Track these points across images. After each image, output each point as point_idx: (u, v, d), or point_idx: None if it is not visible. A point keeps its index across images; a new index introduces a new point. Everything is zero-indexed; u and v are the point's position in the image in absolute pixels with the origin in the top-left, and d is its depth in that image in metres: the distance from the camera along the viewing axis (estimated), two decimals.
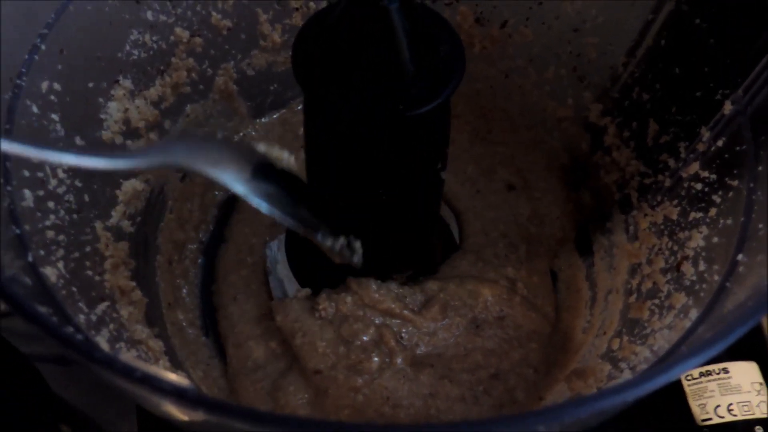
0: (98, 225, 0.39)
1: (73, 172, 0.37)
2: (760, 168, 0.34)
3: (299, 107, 0.54)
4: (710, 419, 0.42)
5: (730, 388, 0.42)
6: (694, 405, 0.42)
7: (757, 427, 0.41)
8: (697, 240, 0.36)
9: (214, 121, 0.50)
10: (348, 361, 0.41)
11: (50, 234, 0.34)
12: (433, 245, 0.49)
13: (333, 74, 0.32)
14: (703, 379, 0.43)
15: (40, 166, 0.35)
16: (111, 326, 0.35)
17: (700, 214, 0.37)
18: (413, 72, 0.32)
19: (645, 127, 0.43)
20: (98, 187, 0.40)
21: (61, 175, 0.36)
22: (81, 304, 0.33)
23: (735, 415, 0.41)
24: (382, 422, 0.40)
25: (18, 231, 0.31)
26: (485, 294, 0.44)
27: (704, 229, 0.36)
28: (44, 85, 0.35)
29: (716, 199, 0.36)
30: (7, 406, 0.44)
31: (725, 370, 0.43)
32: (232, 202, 0.51)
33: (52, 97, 0.36)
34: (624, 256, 0.44)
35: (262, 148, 0.37)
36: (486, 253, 0.48)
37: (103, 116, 0.40)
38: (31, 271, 0.30)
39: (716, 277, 0.32)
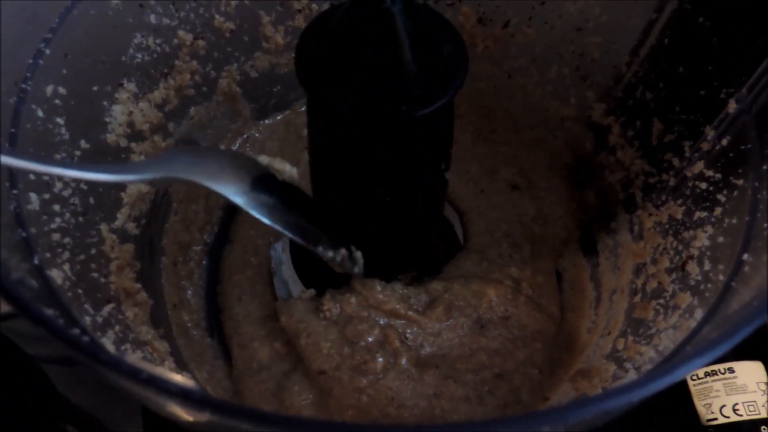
0: (103, 227, 0.39)
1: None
2: (765, 167, 0.33)
3: (302, 109, 0.54)
4: (716, 419, 0.41)
5: (736, 388, 0.42)
6: (700, 405, 0.42)
7: (763, 427, 0.41)
8: (702, 239, 0.36)
9: (217, 123, 0.50)
10: (352, 362, 0.41)
11: (56, 237, 0.34)
12: (437, 245, 0.49)
13: (336, 76, 0.32)
14: (708, 378, 0.42)
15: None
16: (117, 328, 0.35)
17: (705, 214, 0.37)
18: (416, 73, 0.32)
19: (649, 127, 0.43)
20: (103, 190, 0.40)
21: (66, 178, 0.36)
22: (87, 306, 0.33)
23: (740, 415, 0.41)
24: (387, 423, 0.40)
25: (24, 234, 0.31)
26: (490, 294, 0.44)
27: (709, 229, 0.36)
28: (49, 89, 0.35)
29: (721, 198, 0.36)
30: (13, 406, 0.44)
31: (731, 370, 0.42)
32: None
33: (57, 101, 0.36)
34: (629, 256, 0.44)
35: (264, 160, 0.37)
36: (490, 253, 0.48)
37: (107, 119, 0.41)
38: (37, 274, 0.30)
39: (721, 277, 0.32)
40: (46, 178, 0.35)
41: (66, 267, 0.33)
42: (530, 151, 0.53)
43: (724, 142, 0.36)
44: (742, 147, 0.35)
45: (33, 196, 0.33)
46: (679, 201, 0.40)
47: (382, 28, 0.31)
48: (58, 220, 0.35)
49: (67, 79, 0.36)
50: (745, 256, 0.31)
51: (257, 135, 0.53)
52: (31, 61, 0.35)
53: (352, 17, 0.31)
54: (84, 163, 0.36)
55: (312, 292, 0.45)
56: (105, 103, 0.40)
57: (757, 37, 0.36)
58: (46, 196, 0.34)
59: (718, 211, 0.36)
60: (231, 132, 0.52)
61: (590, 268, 0.48)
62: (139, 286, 0.40)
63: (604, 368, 0.39)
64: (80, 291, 0.33)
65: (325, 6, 0.48)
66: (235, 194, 0.34)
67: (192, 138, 0.49)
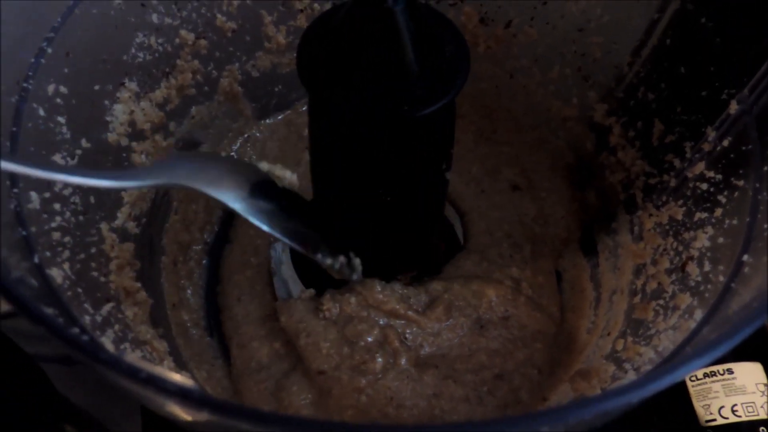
0: (104, 226, 0.39)
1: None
2: (766, 168, 0.33)
3: (304, 108, 0.54)
4: (714, 420, 0.41)
5: (735, 389, 0.42)
6: (698, 406, 0.42)
7: (762, 428, 0.41)
8: (703, 240, 0.36)
9: (219, 122, 0.50)
10: (352, 362, 0.41)
11: (56, 235, 0.34)
12: (438, 245, 0.49)
13: (338, 75, 0.32)
14: (707, 379, 0.42)
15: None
16: (116, 327, 0.35)
17: (705, 215, 0.37)
18: (418, 73, 0.32)
19: (650, 127, 0.43)
20: (104, 189, 0.40)
21: None
22: (86, 305, 0.33)
23: (739, 416, 0.41)
24: (386, 423, 0.40)
25: (24, 233, 0.31)
26: (490, 294, 0.44)
27: (709, 230, 0.36)
28: (51, 88, 0.35)
29: (722, 199, 0.36)
30: (12, 406, 0.44)
31: (730, 371, 0.42)
32: None
33: (59, 100, 0.36)
34: (629, 257, 0.44)
35: (264, 166, 0.37)
36: (490, 253, 0.48)
37: (108, 118, 0.41)
38: (37, 273, 0.30)
39: (721, 278, 0.32)
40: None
41: (66, 266, 0.33)
42: (532, 151, 0.53)
43: (725, 143, 0.36)
44: (743, 148, 0.35)
45: (33, 194, 0.33)
46: (680, 202, 0.40)
47: (384, 27, 0.31)
48: (58, 218, 0.35)
49: (68, 78, 0.36)
50: (746, 257, 0.31)
51: (258, 134, 0.53)
52: (32, 60, 0.35)
53: (354, 17, 0.31)
54: (85, 169, 0.37)
55: (312, 291, 0.45)
56: (106, 102, 0.40)
57: (759, 38, 0.36)
58: (47, 194, 0.34)
59: (718, 212, 0.36)
60: (232, 131, 0.52)
61: (590, 268, 0.48)
62: (138, 285, 0.40)
63: (604, 369, 0.39)
64: (80, 290, 0.33)
65: (327, 6, 0.48)
66: (234, 200, 0.35)
67: (193, 137, 0.49)
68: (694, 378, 0.43)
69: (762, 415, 0.41)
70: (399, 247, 0.44)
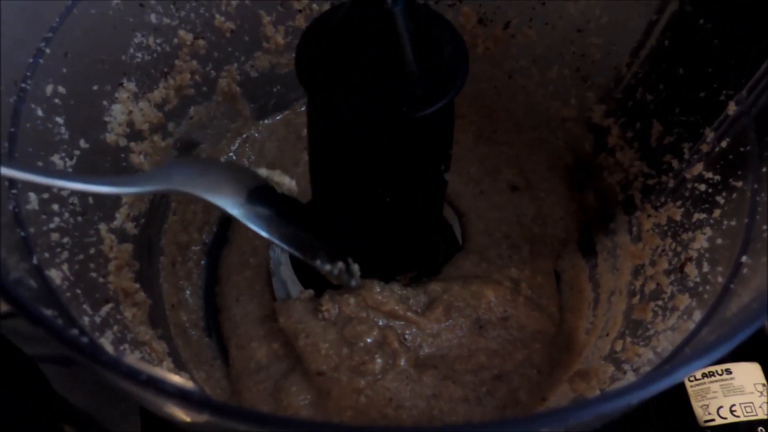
0: (102, 227, 0.39)
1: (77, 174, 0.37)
2: (764, 169, 0.33)
3: (302, 108, 0.54)
4: (713, 420, 0.41)
5: (733, 389, 0.42)
6: (697, 406, 0.42)
7: (760, 428, 0.41)
8: (701, 241, 0.36)
9: (217, 122, 0.50)
10: (351, 363, 0.41)
11: (55, 236, 0.34)
12: (436, 246, 0.49)
13: (337, 76, 0.32)
14: (706, 380, 0.43)
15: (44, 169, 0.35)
16: (115, 328, 0.35)
17: (703, 216, 0.37)
18: (417, 73, 0.32)
19: (649, 128, 0.43)
20: None
21: None
22: (85, 306, 0.33)
23: (738, 417, 0.41)
24: (385, 423, 0.40)
25: (23, 234, 0.31)
26: (489, 295, 0.44)
27: (708, 231, 0.36)
28: (49, 89, 0.35)
29: (720, 200, 0.36)
30: (11, 406, 0.44)
31: (728, 371, 0.42)
32: None
33: (57, 101, 0.36)
34: (627, 257, 0.44)
35: (264, 172, 0.38)
36: (489, 254, 0.48)
37: (107, 119, 0.40)
38: (36, 274, 0.30)
39: (720, 279, 0.32)
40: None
41: (65, 267, 0.33)
42: (531, 151, 0.53)
43: (724, 144, 0.37)
44: (742, 149, 0.35)
45: (32, 195, 0.33)
46: (678, 203, 0.40)
47: (383, 28, 0.31)
48: (56, 219, 0.35)
49: (66, 79, 0.36)
50: (744, 258, 0.31)
51: (257, 135, 0.53)
52: (31, 60, 0.35)
53: (353, 17, 0.31)
54: (85, 176, 0.37)
55: (311, 292, 0.45)
56: (105, 102, 0.40)
57: (758, 39, 0.36)
58: (45, 195, 0.34)
59: (717, 213, 0.36)
60: (231, 132, 0.52)
61: (589, 269, 0.48)
62: (137, 286, 0.40)
63: (603, 369, 0.39)
64: (79, 291, 0.33)
65: (326, 6, 0.48)
66: (233, 206, 0.35)
67: (192, 138, 0.49)
68: (692, 378, 0.43)
69: (760, 415, 0.41)
70: (398, 247, 0.44)
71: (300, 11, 0.48)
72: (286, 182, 0.38)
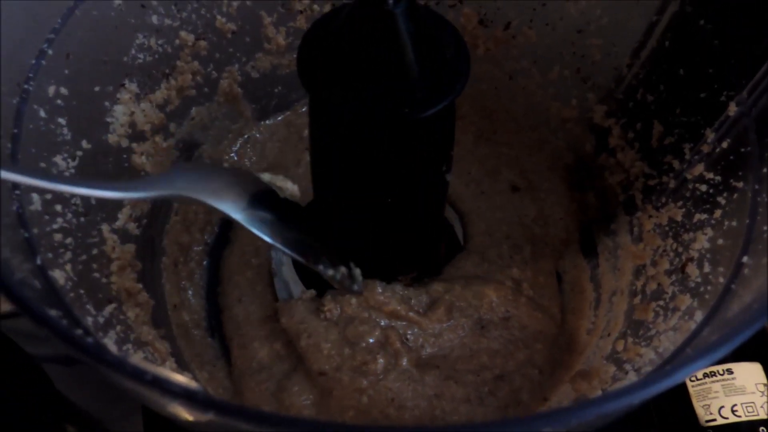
0: (105, 228, 0.39)
1: (80, 175, 0.37)
2: (765, 170, 0.34)
3: (303, 109, 0.54)
4: (714, 420, 0.42)
5: (735, 389, 0.42)
6: (698, 406, 0.42)
7: (762, 428, 0.41)
8: (702, 242, 0.36)
9: (218, 123, 0.50)
10: (353, 363, 0.41)
11: (58, 237, 0.34)
12: (438, 246, 0.49)
13: (338, 77, 0.33)
14: (707, 380, 0.43)
15: (47, 170, 0.35)
16: (118, 328, 0.35)
17: (704, 216, 0.37)
18: (418, 75, 0.32)
19: (649, 129, 0.43)
20: None
21: None
22: (89, 307, 0.33)
23: (739, 416, 0.41)
24: (387, 423, 0.40)
25: (26, 234, 0.31)
26: (490, 295, 0.45)
27: (709, 231, 0.36)
28: (51, 90, 0.35)
29: (721, 200, 0.36)
30: (13, 406, 0.44)
31: (729, 371, 0.43)
32: None
33: (59, 101, 0.36)
34: (628, 258, 0.44)
35: (266, 177, 0.38)
36: (490, 254, 0.48)
37: (109, 120, 0.41)
38: (39, 274, 0.30)
39: (721, 279, 0.33)
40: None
41: (68, 267, 0.33)
42: (531, 152, 0.53)
43: (725, 144, 0.37)
44: (742, 150, 0.35)
45: (35, 196, 0.33)
46: (679, 203, 0.40)
47: (385, 29, 0.31)
48: (59, 220, 0.35)
49: (69, 80, 0.36)
50: (745, 259, 0.32)
51: (258, 135, 0.53)
52: (33, 61, 0.35)
53: (354, 19, 0.31)
54: (90, 180, 0.37)
55: (312, 292, 0.45)
56: (107, 103, 0.40)
57: (758, 39, 0.36)
58: (48, 196, 0.34)
59: (717, 213, 0.36)
60: (232, 132, 0.52)
61: (590, 269, 0.49)
62: (140, 286, 0.40)
63: (604, 370, 0.39)
64: (82, 291, 0.34)
65: (327, 7, 0.48)
66: (235, 211, 0.35)
67: (193, 138, 0.49)
68: (694, 378, 0.43)
69: (762, 415, 0.41)
70: (399, 248, 0.44)
71: (301, 12, 0.48)
72: (288, 187, 0.38)
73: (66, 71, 0.36)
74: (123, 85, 0.41)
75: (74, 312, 0.31)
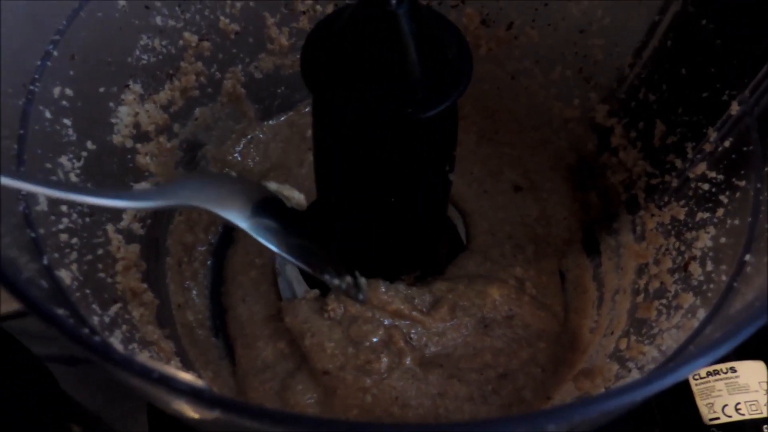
0: (110, 228, 0.39)
1: (85, 176, 0.37)
2: (767, 168, 0.34)
3: (306, 109, 0.55)
4: (718, 418, 0.42)
5: (738, 388, 0.42)
6: (702, 404, 0.42)
7: (765, 426, 0.41)
8: (705, 240, 0.37)
9: (222, 124, 0.50)
10: (357, 362, 0.42)
11: (64, 237, 0.34)
12: (441, 246, 0.49)
13: (341, 77, 0.33)
14: (710, 378, 0.43)
15: (53, 171, 0.36)
16: (124, 327, 0.36)
17: (707, 215, 0.37)
18: (421, 75, 0.32)
19: (652, 128, 0.43)
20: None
21: (74, 179, 0.37)
22: (94, 306, 0.34)
23: (743, 414, 0.41)
24: (391, 422, 0.40)
25: (33, 235, 0.31)
26: (494, 294, 0.45)
27: (711, 230, 0.36)
28: (56, 91, 0.36)
29: (723, 199, 0.36)
30: (19, 406, 0.44)
31: (733, 370, 0.43)
32: None
33: (64, 102, 0.36)
34: (631, 257, 0.44)
35: (273, 186, 0.38)
36: (493, 254, 0.48)
37: (113, 120, 0.41)
38: (46, 274, 0.30)
39: (724, 278, 0.33)
40: (53, 178, 0.35)
41: (74, 267, 0.34)
42: (534, 152, 0.53)
43: (727, 143, 0.37)
44: (745, 149, 0.35)
45: (41, 197, 0.33)
46: (682, 202, 0.40)
47: (387, 30, 0.31)
48: (65, 220, 0.35)
49: (74, 81, 0.37)
50: (747, 257, 0.32)
51: (261, 136, 0.54)
52: (38, 62, 0.35)
53: (357, 19, 0.32)
54: (96, 190, 0.37)
55: (316, 292, 0.45)
56: (111, 104, 0.41)
57: (760, 39, 0.37)
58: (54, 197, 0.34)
59: (720, 212, 0.36)
60: (235, 133, 0.52)
61: (593, 268, 0.49)
62: (145, 286, 0.41)
63: (607, 368, 0.39)
64: (88, 291, 0.34)
65: (329, 8, 0.48)
66: (241, 219, 0.36)
67: (197, 139, 0.49)
68: (697, 376, 0.43)
69: (765, 413, 0.41)
70: (403, 247, 0.44)
71: (304, 13, 0.48)
72: (295, 196, 0.39)
73: (71, 72, 0.37)
74: (127, 86, 0.41)
75: (80, 311, 0.31)
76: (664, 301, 0.38)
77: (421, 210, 0.42)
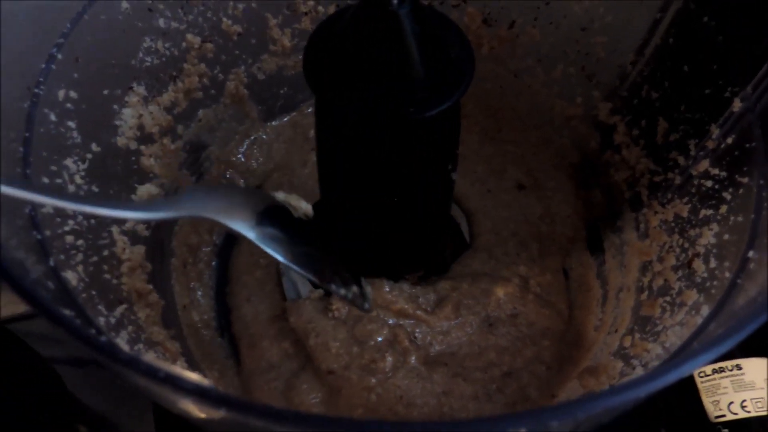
0: (115, 229, 0.40)
1: (90, 178, 0.38)
2: None
3: (309, 110, 0.55)
4: (724, 416, 0.42)
5: (744, 385, 0.42)
6: (708, 402, 0.42)
7: None
8: (708, 237, 0.37)
9: (225, 125, 0.51)
10: (361, 361, 0.42)
11: (69, 239, 0.35)
12: (444, 245, 0.49)
13: (344, 78, 0.33)
14: (716, 375, 0.43)
15: (58, 173, 0.36)
16: (129, 328, 0.36)
17: (710, 212, 0.37)
18: (423, 75, 0.32)
19: (654, 125, 0.43)
20: (114, 192, 0.41)
21: (79, 181, 0.37)
22: (100, 307, 0.34)
23: (749, 412, 0.41)
24: (396, 421, 0.40)
25: (39, 236, 0.31)
26: (498, 292, 0.45)
27: (715, 227, 0.36)
28: (61, 93, 0.36)
29: (726, 196, 0.36)
30: (27, 407, 0.45)
31: (738, 367, 0.43)
32: None
33: (69, 105, 0.36)
34: (635, 254, 0.44)
35: (281, 196, 0.38)
36: (497, 252, 0.48)
37: (117, 122, 0.41)
38: (52, 276, 0.31)
39: (727, 274, 0.33)
40: (59, 181, 0.36)
41: (80, 269, 0.34)
42: (536, 150, 0.53)
43: (729, 140, 0.37)
44: (747, 145, 0.35)
45: None
46: (685, 199, 0.40)
47: (389, 30, 0.31)
48: (71, 222, 0.35)
49: (78, 84, 0.37)
50: (751, 254, 0.32)
51: (264, 137, 0.54)
52: (43, 65, 0.35)
53: (359, 20, 0.32)
54: (104, 201, 0.38)
55: (321, 292, 0.45)
56: (115, 106, 0.41)
57: (762, 35, 0.37)
58: None
59: (723, 209, 0.36)
60: (239, 134, 0.52)
61: (597, 266, 0.49)
62: (150, 287, 0.41)
63: (612, 365, 0.39)
64: (94, 292, 0.34)
65: (331, 9, 0.48)
66: (247, 229, 0.36)
67: (200, 140, 0.49)
68: (702, 374, 0.43)
69: None
70: (406, 247, 0.44)
71: (306, 14, 0.48)
72: (302, 206, 0.39)
73: (75, 75, 0.37)
74: (131, 88, 0.42)
75: (87, 312, 0.31)
76: (667, 298, 0.38)
77: (424, 209, 0.42)
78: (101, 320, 0.33)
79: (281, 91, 0.53)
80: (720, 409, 0.42)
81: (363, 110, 0.33)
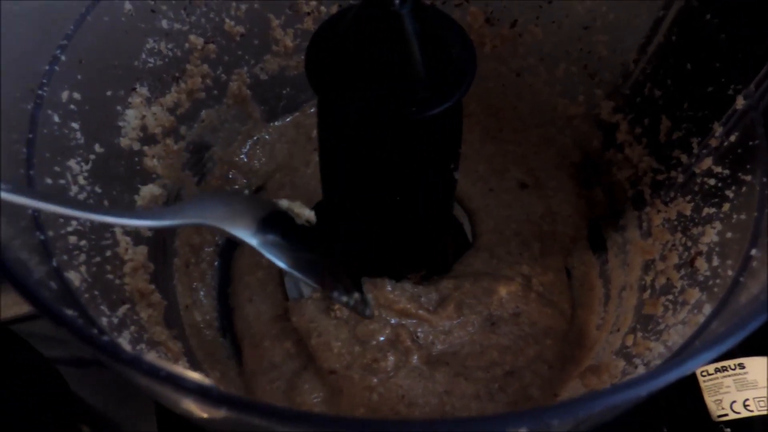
0: (118, 230, 0.40)
1: (93, 179, 0.38)
2: None
3: (312, 110, 0.55)
4: (726, 415, 0.42)
5: (746, 384, 0.42)
6: (710, 401, 0.42)
7: None
8: (711, 235, 0.36)
9: (228, 125, 0.51)
10: (363, 361, 0.42)
11: (72, 239, 0.35)
12: (446, 244, 0.49)
13: (346, 77, 0.33)
14: (718, 374, 0.43)
15: (61, 174, 0.36)
16: (132, 328, 0.36)
17: (713, 210, 0.37)
18: (425, 74, 0.32)
19: (657, 124, 0.43)
20: (117, 193, 0.41)
21: (82, 182, 0.37)
22: (103, 307, 0.34)
23: (751, 411, 0.41)
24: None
25: (42, 237, 0.32)
26: (500, 291, 0.45)
27: (717, 225, 0.36)
28: (64, 95, 0.36)
29: (729, 194, 0.36)
30: (30, 407, 0.45)
31: (741, 366, 0.42)
32: None
33: (72, 106, 0.37)
34: (637, 253, 0.44)
35: (284, 203, 0.39)
36: (499, 251, 0.48)
37: (121, 123, 0.41)
38: (55, 276, 0.31)
39: (730, 273, 0.33)
40: (62, 182, 0.36)
41: (83, 269, 0.34)
42: (539, 149, 0.53)
43: (732, 138, 0.37)
44: (750, 143, 0.35)
45: None
46: (688, 197, 0.40)
47: (391, 30, 0.31)
48: (74, 223, 0.35)
49: (81, 85, 0.37)
50: (753, 252, 0.32)
51: (267, 137, 0.54)
52: (47, 67, 0.35)
53: (361, 19, 0.32)
54: (108, 209, 0.38)
55: None
56: (118, 107, 0.41)
57: (765, 33, 0.36)
58: None
59: (726, 207, 0.36)
60: (241, 134, 0.52)
61: (599, 265, 0.49)
62: (152, 287, 0.41)
63: (614, 364, 0.39)
64: (96, 292, 0.34)
65: (334, 8, 0.48)
66: (250, 237, 0.36)
67: (203, 141, 0.49)
68: (705, 373, 0.43)
69: None
70: (408, 246, 0.44)
71: (308, 14, 0.49)
72: (305, 213, 0.39)
73: (78, 76, 0.37)
74: (134, 89, 0.42)
75: (89, 312, 0.31)
76: (670, 296, 0.38)
77: (426, 208, 0.42)
78: (104, 320, 0.33)
79: (284, 92, 0.53)
80: (722, 408, 0.42)
81: (365, 110, 0.33)
